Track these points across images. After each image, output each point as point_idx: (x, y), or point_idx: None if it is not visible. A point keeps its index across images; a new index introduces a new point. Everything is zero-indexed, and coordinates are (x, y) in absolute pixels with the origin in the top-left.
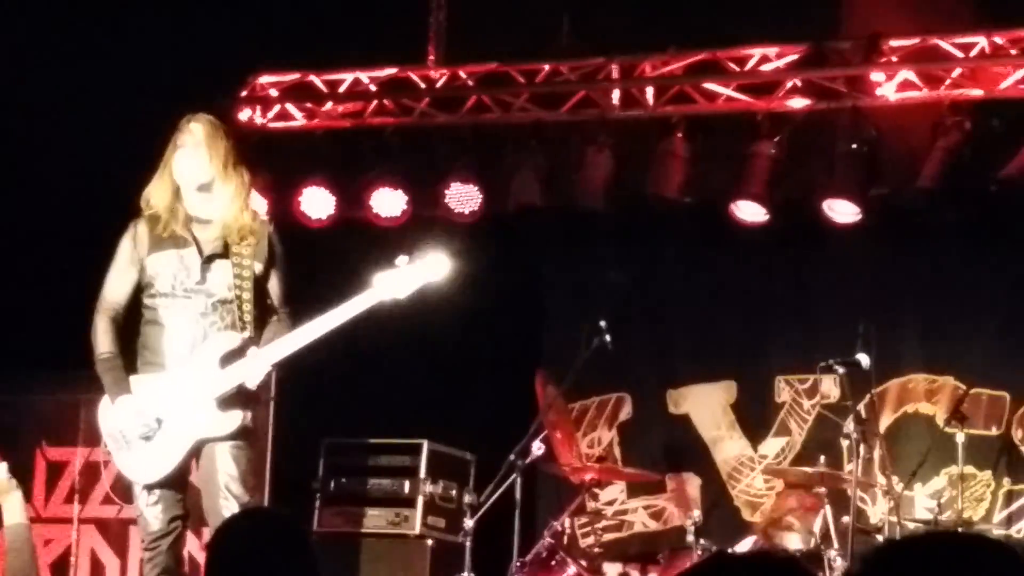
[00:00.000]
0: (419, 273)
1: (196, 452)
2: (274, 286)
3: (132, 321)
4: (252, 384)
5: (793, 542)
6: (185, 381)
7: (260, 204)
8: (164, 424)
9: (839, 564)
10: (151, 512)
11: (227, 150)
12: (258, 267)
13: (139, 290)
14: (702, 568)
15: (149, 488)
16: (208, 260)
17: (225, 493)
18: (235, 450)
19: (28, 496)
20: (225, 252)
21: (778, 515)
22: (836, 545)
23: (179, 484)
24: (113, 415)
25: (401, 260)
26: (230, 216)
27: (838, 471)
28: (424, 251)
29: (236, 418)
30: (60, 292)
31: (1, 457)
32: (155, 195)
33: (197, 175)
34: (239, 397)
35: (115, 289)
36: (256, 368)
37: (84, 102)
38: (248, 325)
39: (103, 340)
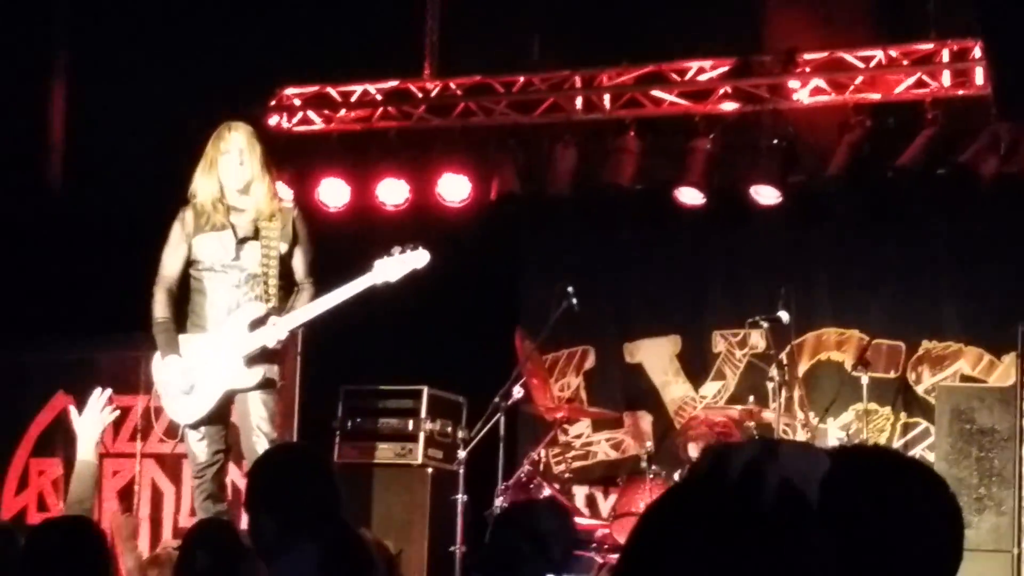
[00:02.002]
0: (406, 262)
1: (229, 399)
2: (297, 262)
3: (184, 290)
4: (271, 345)
5: (695, 451)
6: (220, 341)
7: (287, 193)
8: (202, 377)
9: None
10: (198, 447)
11: (261, 153)
12: (283, 247)
13: (188, 265)
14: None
15: (194, 427)
16: (242, 241)
17: (257, 432)
18: (264, 395)
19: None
20: (255, 235)
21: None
22: None
23: (220, 423)
24: (164, 369)
25: (395, 250)
26: (262, 205)
27: (764, 408)
28: (410, 244)
29: (258, 373)
30: (125, 266)
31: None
32: (201, 190)
33: (240, 177)
34: (262, 355)
35: (168, 265)
36: (275, 333)
37: (143, 109)
38: (273, 296)
39: (158, 308)
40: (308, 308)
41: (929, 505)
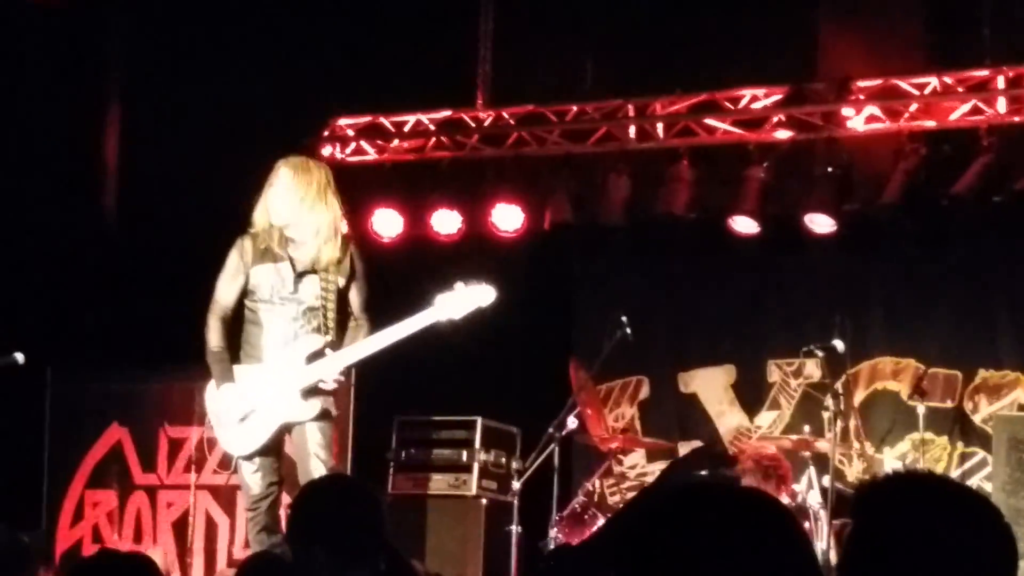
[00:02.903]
0: (471, 298)
1: (284, 431)
2: (354, 297)
3: (238, 320)
4: (327, 381)
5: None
6: (277, 373)
7: (342, 224)
8: (257, 408)
9: (822, 515)
10: (252, 478)
11: (311, 187)
12: (341, 281)
13: (244, 295)
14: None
15: (248, 458)
16: (300, 275)
17: (315, 459)
18: (320, 424)
19: (152, 467)
20: (314, 268)
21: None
22: (820, 499)
23: (275, 455)
24: (218, 398)
25: (459, 285)
26: (320, 238)
27: (820, 438)
28: (475, 280)
29: (315, 406)
30: (178, 296)
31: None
32: (258, 219)
33: (283, 214)
34: (319, 389)
35: (225, 294)
36: (331, 368)
37: (197, 139)
38: (331, 330)
39: (213, 336)
40: (365, 344)
41: (981, 532)
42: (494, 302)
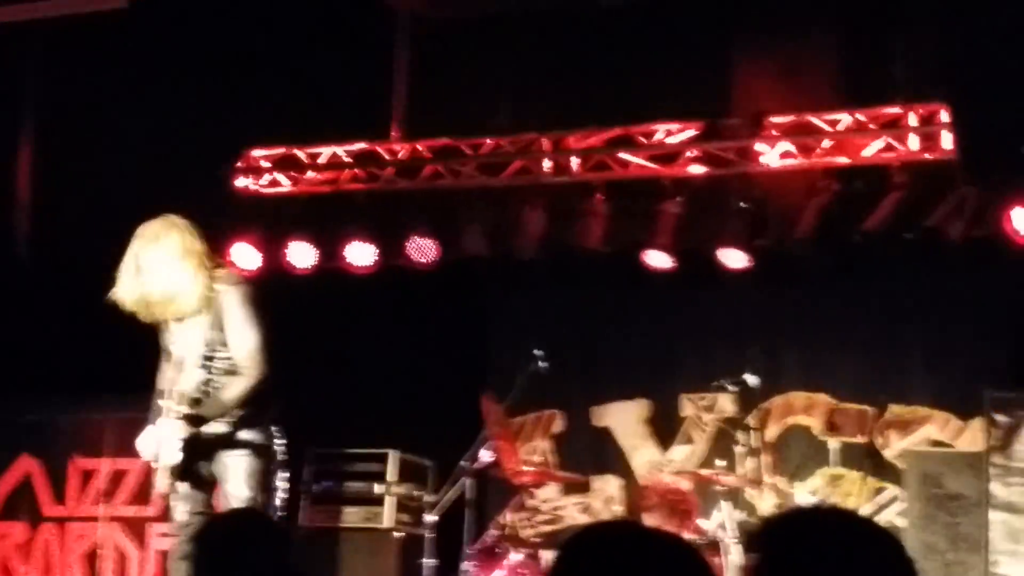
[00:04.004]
0: None
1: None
2: (233, 345)
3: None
4: (171, 459)
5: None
6: (166, 415)
7: (252, 258)
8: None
9: (733, 549)
10: (177, 507)
11: (179, 246)
12: (213, 334)
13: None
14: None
15: (175, 488)
16: (174, 333)
17: (228, 496)
18: (244, 459)
19: (62, 498)
20: (180, 326)
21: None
22: (732, 533)
23: (202, 486)
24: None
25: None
26: (183, 299)
27: (732, 472)
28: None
29: (176, 455)
30: (88, 328)
31: None
32: (123, 291)
33: (156, 281)
34: (239, 420)
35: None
36: (168, 445)
37: (111, 170)
38: (203, 385)
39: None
40: (212, 406)
41: (884, 564)
42: (405, 331)
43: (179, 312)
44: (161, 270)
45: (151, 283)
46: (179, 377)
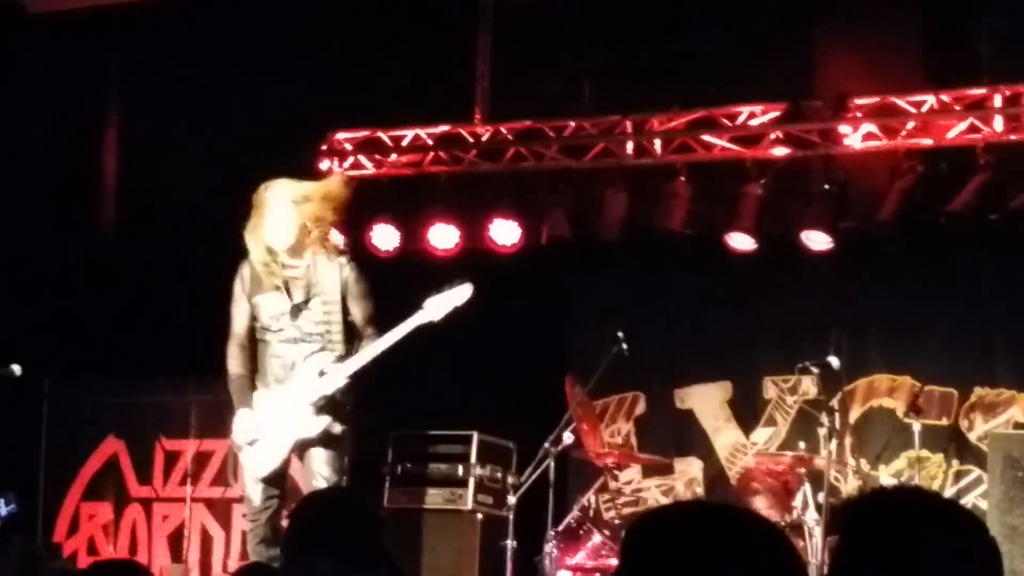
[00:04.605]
0: (451, 298)
1: (297, 450)
2: (357, 313)
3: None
4: (330, 391)
5: (759, 504)
6: (288, 394)
7: (338, 239)
8: (267, 430)
9: (817, 531)
10: (254, 490)
11: (311, 207)
12: (340, 300)
13: (253, 320)
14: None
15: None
16: (297, 303)
17: (319, 479)
18: (329, 452)
19: (148, 479)
20: (310, 291)
21: (749, 482)
22: (815, 516)
23: (280, 470)
24: (236, 422)
25: (444, 287)
26: (315, 262)
27: (815, 455)
28: (456, 280)
29: (323, 421)
30: (177, 310)
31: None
32: (253, 251)
33: (285, 240)
34: (330, 409)
35: (235, 322)
36: (335, 380)
37: (195, 153)
38: (336, 348)
39: (231, 363)
40: (362, 354)
41: (967, 546)
42: (488, 313)
43: (311, 256)
44: (283, 215)
45: (274, 229)
46: (296, 350)
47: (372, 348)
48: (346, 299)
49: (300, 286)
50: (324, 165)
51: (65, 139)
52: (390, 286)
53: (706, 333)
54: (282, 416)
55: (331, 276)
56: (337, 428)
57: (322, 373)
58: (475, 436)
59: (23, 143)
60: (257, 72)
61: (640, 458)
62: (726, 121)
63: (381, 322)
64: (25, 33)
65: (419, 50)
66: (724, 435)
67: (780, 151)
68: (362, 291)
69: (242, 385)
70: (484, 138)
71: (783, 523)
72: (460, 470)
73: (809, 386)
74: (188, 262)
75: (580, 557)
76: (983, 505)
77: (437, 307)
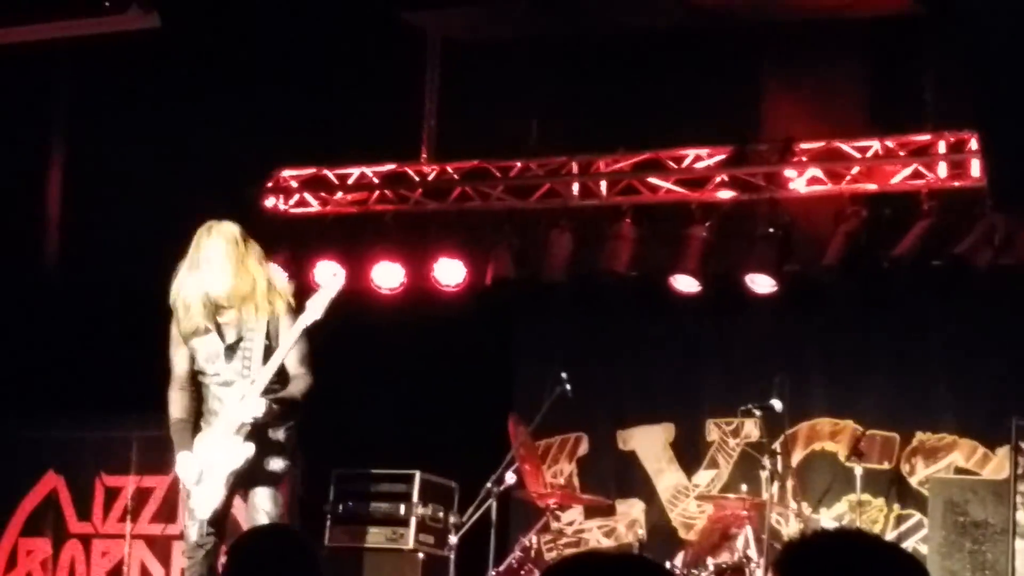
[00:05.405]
0: (326, 292)
1: (242, 490)
2: (289, 355)
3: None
4: (248, 418)
5: (722, 557)
6: (220, 432)
7: (281, 276)
8: (206, 468)
9: (758, 573)
10: (191, 528)
11: (247, 253)
12: (272, 342)
13: (192, 361)
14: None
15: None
16: (230, 346)
17: (262, 515)
18: (272, 491)
19: (88, 516)
20: (240, 337)
21: (707, 536)
22: (756, 558)
23: (222, 509)
24: (179, 466)
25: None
26: (248, 306)
27: (757, 497)
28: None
29: (249, 449)
30: (118, 346)
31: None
32: (184, 291)
33: (223, 284)
34: (266, 441)
35: (174, 365)
36: (252, 402)
37: (140, 188)
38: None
39: (171, 407)
40: (266, 368)
41: None
42: (431, 353)
43: (244, 301)
44: (222, 259)
45: (212, 273)
46: (230, 391)
47: (271, 363)
48: (277, 340)
49: (232, 328)
50: (270, 202)
51: (9, 172)
52: (332, 324)
53: (649, 375)
54: (215, 452)
55: (263, 316)
56: (279, 464)
57: (243, 397)
58: (417, 475)
59: None
60: (203, 108)
61: (582, 499)
62: (672, 164)
63: (321, 358)
64: None
65: (366, 88)
66: (666, 477)
67: (725, 194)
68: (296, 331)
69: (182, 429)
70: (430, 177)
71: (725, 565)
72: (402, 509)
73: (752, 429)
74: (131, 297)
75: None
76: (924, 549)
77: (317, 304)
